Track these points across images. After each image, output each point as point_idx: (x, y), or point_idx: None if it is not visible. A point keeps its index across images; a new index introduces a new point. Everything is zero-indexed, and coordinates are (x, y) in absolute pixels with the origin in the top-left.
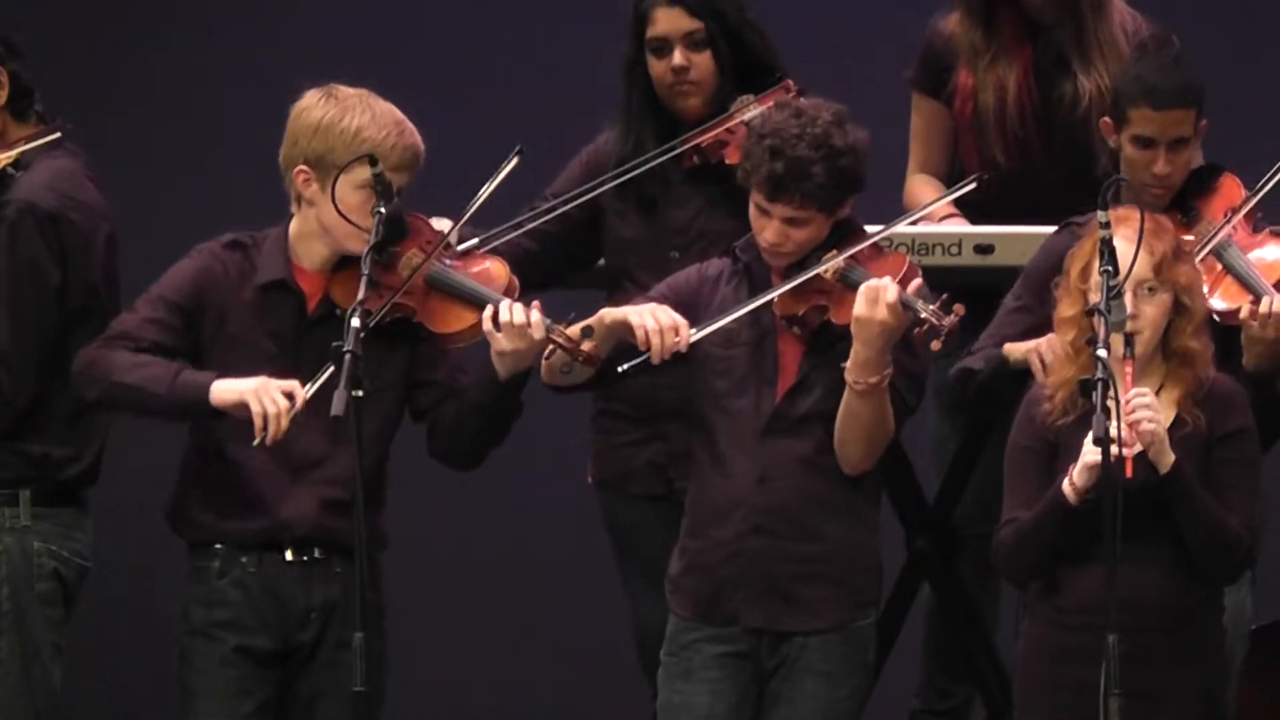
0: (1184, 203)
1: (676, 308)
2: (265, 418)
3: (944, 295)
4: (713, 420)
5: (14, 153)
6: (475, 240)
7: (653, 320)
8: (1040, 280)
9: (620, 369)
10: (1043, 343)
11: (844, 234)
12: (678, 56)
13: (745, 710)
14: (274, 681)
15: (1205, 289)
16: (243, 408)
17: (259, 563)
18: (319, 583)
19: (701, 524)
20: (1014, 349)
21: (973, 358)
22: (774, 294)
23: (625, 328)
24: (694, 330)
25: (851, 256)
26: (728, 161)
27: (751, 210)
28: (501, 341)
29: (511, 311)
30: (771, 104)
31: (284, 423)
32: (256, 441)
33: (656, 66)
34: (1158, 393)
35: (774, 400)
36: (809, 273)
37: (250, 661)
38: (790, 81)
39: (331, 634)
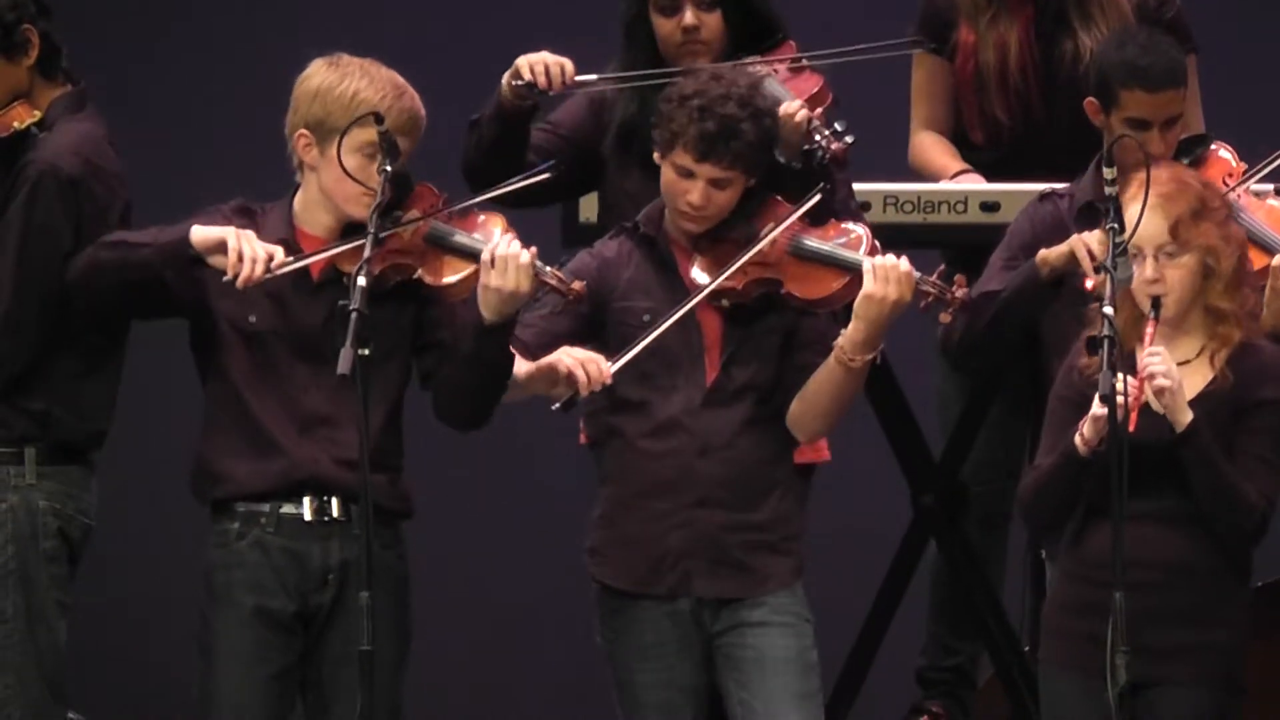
0: None
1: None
2: (241, 255)
3: (941, 267)
4: (646, 397)
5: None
6: (594, 76)
7: (570, 358)
8: (1025, 245)
9: (554, 407)
10: (1086, 235)
11: (756, 204)
12: (689, 16)
13: (705, 673)
14: (295, 650)
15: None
16: (220, 245)
17: (278, 523)
18: (337, 543)
19: (636, 495)
20: (1049, 252)
21: (992, 282)
22: (726, 275)
23: (550, 369)
24: (611, 363)
25: (790, 226)
26: None
27: (668, 175)
28: (493, 276)
29: (508, 245)
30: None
31: (259, 270)
32: (227, 277)
33: (664, 26)
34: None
35: (706, 373)
36: (755, 247)
37: (269, 625)
38: (793, 42)
39: (349, 598)
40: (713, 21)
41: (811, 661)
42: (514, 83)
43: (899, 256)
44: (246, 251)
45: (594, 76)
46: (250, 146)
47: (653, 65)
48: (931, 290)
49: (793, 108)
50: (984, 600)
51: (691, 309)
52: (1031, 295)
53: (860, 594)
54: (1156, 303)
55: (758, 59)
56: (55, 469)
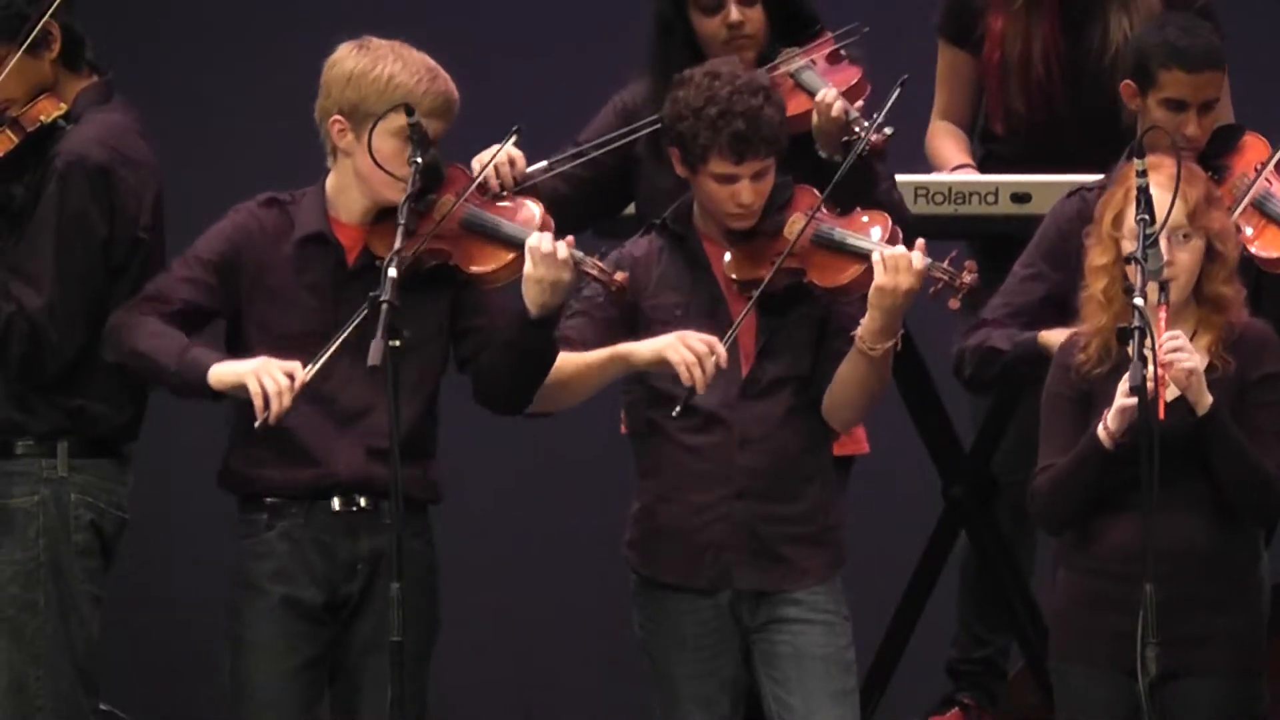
0: (1209, 162)
1: None
2: (266, 397)
3: (953, 251)
4: (683, 391)
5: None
6: (544, 164)
7: (689, 353)
8: (1051, 246)
9: (674, 414)
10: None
11: (785, 195)
12: (734, 13)
13: (744, 668)
14: (324, 640)
15: (1253, 240)
16: (241, 389)
17: (307, 513)
18: (366, 533)
19: (676, 488)
20: (1050, 338)
21: (997, 335)
22: (773, 272)
23: (662, 363)
24: (724, 341)
25: (816, 216)
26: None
27: (709, 187)
28: (533, 269)
29: (543, 241)
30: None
31: (286, 400)
32: (259, 422)
33: (708, 24)
34: (1190, 339)
35: (740, 365)
36: (790, 244)
37: (298, 615)
38: (830, 33)
39: (379, 587)
40: (755, 15)
41: (848, 660)
42: None
43: (909, 247)
44: (270, 387)
45: (544, 164)
46: (271, 133)
47: (693, 64)
48: (941, 277)
49: (829, 97)
50: (1014, 591)
51: (724, 301)
52: (1032, 368)
53: (891, 585)
54: (1164, 286)
55: (797, 51)
56: (88, 462)
